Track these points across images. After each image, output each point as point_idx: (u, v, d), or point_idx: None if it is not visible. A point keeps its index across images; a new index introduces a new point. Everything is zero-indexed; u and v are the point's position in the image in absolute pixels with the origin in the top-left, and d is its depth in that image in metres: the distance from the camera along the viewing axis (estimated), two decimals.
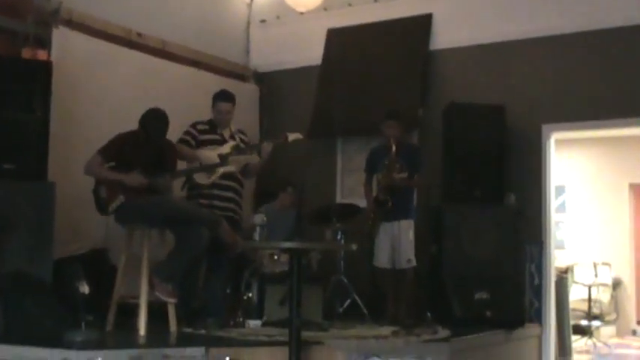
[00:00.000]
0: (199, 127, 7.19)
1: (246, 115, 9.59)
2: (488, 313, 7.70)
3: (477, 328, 7.19)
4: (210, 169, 6.99)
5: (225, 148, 7.13)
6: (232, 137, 7.26)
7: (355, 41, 9.72)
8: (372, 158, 8.01)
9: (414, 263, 7.65)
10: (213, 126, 7.24)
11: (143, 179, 6.25)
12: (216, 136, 7.20)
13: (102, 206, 6.28)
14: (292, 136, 7.28)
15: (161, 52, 8.81)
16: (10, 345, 5.17)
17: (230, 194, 7.13)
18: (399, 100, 8.96)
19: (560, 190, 11.57)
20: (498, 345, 7.42)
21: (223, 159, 7.05)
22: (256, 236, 7.00)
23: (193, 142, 7.12)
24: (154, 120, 6.40)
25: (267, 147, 7.22)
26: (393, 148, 7.64)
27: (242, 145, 7.28)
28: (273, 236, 7.37)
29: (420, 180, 7.84)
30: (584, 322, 11.34)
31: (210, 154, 7.07)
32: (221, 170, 7.02)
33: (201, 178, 6.97)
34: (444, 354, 6.05)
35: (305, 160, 9.27)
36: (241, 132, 7.42)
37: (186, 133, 7.15)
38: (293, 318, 5.21)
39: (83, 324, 5.46)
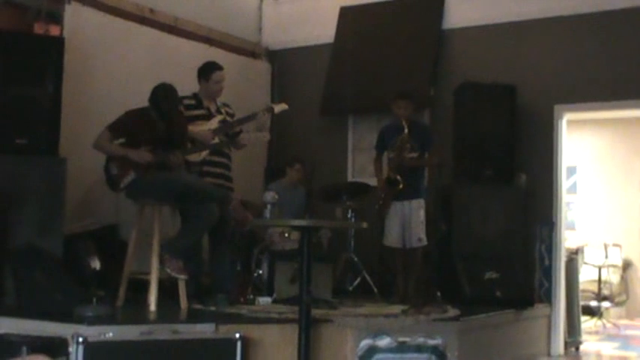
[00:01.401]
0: (185, 102, 7.01)
1: (257, 92, 9.61)
2: (497, 293, 7.71)
3: (486, 307, 7.20)
4: (225, 146, 6.98)
5: (213, 123, 7.05)
6: (218, 111, 7.17)
7: (367, 19, 9.70)
8: (383, 136, 7.99)
9: (424, 242, 7.66)
10: (199, 100, 7.12)
11: (150, 156, 6.24)
12: (203, 111, 7.09)
13: (113, 182, 6.27)
14: (278, 107, 7.25)
15: (173, 28, 8.81)
16: (21, 319, 5.20)
17: (220, 170, 7.11)
18: (410, 79, 8.96)
19: (571, 170, 11.56)
20: (508, 325, 7.44)
21: (235, 136, 7.03)
22: (267, 214, 6.99)
23: None
24: (164, 97, 6.37)
25: (261, 118, 7.18)
26: (406, 128, 7.62)
27: (229, 118, 7.23)
28: (283, 214, 7.38)
29: (431, 159, 7.83)
30: (593, 303, 11.35)
31: (201, 130, 7.03)
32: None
33: (191, 156, 6.93)
34: (454, 333, 6.06)
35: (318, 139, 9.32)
36: (226, 105, 7.31)
37: None
38: (303, 295, 5.23)
39: (94, 299, 5.48)
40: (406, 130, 7.61)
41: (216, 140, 6.97)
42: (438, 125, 8.62)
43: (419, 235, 7.64)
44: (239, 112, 7.32)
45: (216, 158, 7.04)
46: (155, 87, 6.38)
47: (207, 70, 7.13)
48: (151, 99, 6.36)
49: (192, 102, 7.08)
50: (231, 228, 6.82)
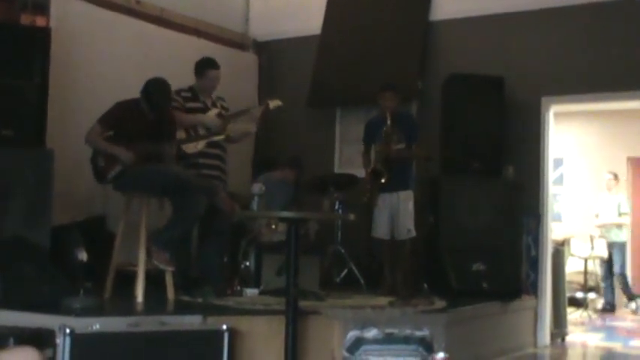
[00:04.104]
0: (183, 94, 7.08)
1: (245, 84, 9.59)
2: (484, 285, 7.74)
3: (473, 299, 7.24)
4: (211, 138, 6.98)
5: (210, 116, 7.12)
6: (214, 105, 7.23)
7: (355, 11, 9.69)
8: (369, 129, 7.98)
9: (413, 234, 7.66)
10: (195, 93, 7.17)
11: (132, 157, 6.21)
12: (200, 104, 7.14)
13: (100, 174, 6.26)
14: (273, 104, 7.31)
15: (160, 19, 8.78)
16: (8, 311, 5.19)
17: (216, 162, 7.13)
18: (398, 71, 8.96)
19: (558, 162, 11.59)
20: (494, 316, 7.47)
21: (221, 128, 7.05)
22: (254, 205, 6.99)
23: (181, 109, 7.07)
24: (158, 91, 6.37)
25: (257, 113, 7.24)
26: (389, 119, 7.63)
27: (224, 112, 7.26)
28: (271, 205, 7.37)
29: (418, 150, 7.82)
30: (579, 295, 11.40)
31: (201, 118, 7.06)
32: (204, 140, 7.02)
33: (188, 148, 6.95)
34: (441, 324, 6.08)
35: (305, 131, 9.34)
36: (221, 99, 7.37)
37: (174, 100, 7.08)
38: (290, 287, 5.23)
39: (81, 291, 5.47)
40: (389, 122, 7.61)
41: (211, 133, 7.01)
42: (426, 117, 8.62)
43: (408, 227, 7.64)
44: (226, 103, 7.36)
45: (211, 150, 7.06)
46: (148, 80, 6.38)
47: (202, 67, 7.21)
48: (143, 91, 6.36)
49: (189, 95, 7.14)
50: (223, 220, 6.81)
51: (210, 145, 7.05)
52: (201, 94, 7.17)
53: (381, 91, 7.76)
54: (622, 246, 11.83)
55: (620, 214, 11.82)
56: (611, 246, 11.68)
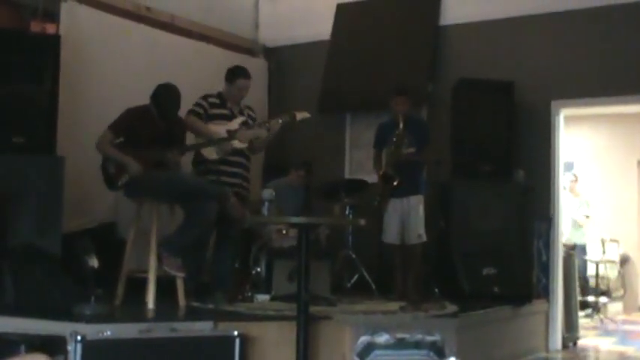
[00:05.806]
0: (210, 100, 7.08)
1: (254, 90, 9.48)
2: (495, 289, 7.74)
3: (484, 303, 7.24)
4: (217, 143, 6.95)
5: (234, 124, 7.08)
6: (241, 113, 7.21)
7: (365, 16, 9.69)
8: (380, 133, 7.99)
9: (424, 238, 7.65)
10: (223, 100, 7.16)
11: (140, 169, 6.20)
12: (226, 111, 7.13)
13: (110, 181, 6.27)
14: (300, 115, 7.24)
15: (170, 26, 8.79)
16: (19, 318, 5.20)
17: (238, 169, 7.10)
18: (408, 76, 8.95)
19: (568, 166, 11.55)
20: (506, 320, 7.46)
21: (231, 134, 7.03)
22: (264, 211, 7.00)
23: (204, 115, 7.05)
24: (168, 97, 6.38)
25: (276, 124, 7.18)
26: (401, 123, 7.63)
27: (250, 121, 7.25)
28: (281, 211, 7.37)
29: (428, 154, 7.82)
30: (591, 299, 11.36)
31: (219, 130, 7.03)
32: (231, 146, 7.00)
33: (209, 153, 6.95)
34: (452, 329, 6.08)
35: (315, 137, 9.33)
36: (249, 108, 7.34)
37: (198, 105, 7.02)
38: (301, 293, 5.23)
39: (92, 297, 5.47)
40: (401, 126, 7.62)
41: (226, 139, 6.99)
42: (436, 122, 8.61)
43: (418, 232, 7.63)
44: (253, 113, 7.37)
45: (234, 158, 7.03)
46: (158, 85, 6.40)
47: (233, 75, 7.17)
48: (153, 97, 6.38)
49: (217, 101, 7.11)
50: (233, 225, 6.81)
51: (233, 152, 7.03)
52: (229, 101, 7.16)
53: (394, 95, 7.75)
54: (583, 248, 11.74)
55: (585, 216, 11.80)
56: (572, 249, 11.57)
